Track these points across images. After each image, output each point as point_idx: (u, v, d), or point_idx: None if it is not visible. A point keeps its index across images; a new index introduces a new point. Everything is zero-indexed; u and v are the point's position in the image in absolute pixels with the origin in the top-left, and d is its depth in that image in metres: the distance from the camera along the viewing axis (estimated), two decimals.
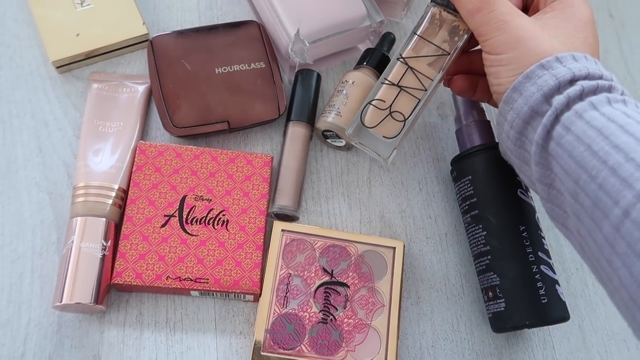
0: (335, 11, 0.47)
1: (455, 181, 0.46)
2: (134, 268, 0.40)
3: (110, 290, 0.41)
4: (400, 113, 0.40)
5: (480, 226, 0.42)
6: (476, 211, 0.43)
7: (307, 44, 0.45)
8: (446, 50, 0.40)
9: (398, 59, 0.40)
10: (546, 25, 0.35)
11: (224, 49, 0.48)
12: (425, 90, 0.40)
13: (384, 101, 0.40)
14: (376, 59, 0.48)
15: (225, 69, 0.47)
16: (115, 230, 0.41)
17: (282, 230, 0.43)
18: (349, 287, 0.42)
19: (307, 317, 0.40)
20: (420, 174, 0.48)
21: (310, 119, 0.46)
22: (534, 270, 0.40)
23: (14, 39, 0.48)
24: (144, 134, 0.47)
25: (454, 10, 0.40)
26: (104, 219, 0.40)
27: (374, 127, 0.40)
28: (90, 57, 0.48)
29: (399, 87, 0.40)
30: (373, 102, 0.40)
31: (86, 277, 0.38)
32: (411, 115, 0.40)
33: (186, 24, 0.51)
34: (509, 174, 0.42)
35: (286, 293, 0.41)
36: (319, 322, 0.40)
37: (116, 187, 0.42)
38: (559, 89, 0.32)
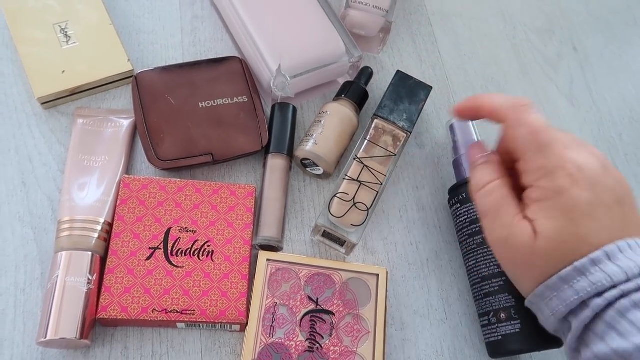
0: (316, 47, 0.49)
1: (460, 205, 0.46)
2: (119, 302, 0.40)
3: (95, 325, 0.41)
4: (363, 204, 0.44)
5: None
6: None
7: (289, 79, 0.47)
8: (392, 152, 0.46)
9: (354, 158, 0.46)
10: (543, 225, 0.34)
11: (207, 83, 0.49)
12: (381, 184, 0.45)
13: (347, 194, 0.44)
14: (354, 92, 0.50)
15: (208, 103, 0.48)
16: (100, 263, 0.42)
17: (268, 259, 0.44)
18: (334, 314, 0.42)
19: (294, 346, 0.41)
20: (400, 202, 0.50)
21: (288, 151, 0.48)
22: None
23: None
24: (129, 167, 0.47)
25: (392, 123, 0.47)
26: (90, 253, 0.41)
27: (341, 217, 0.43)
28: (75, 93, 0.48)
29: (359, 182, 0.45)
30: (338, 195, 0.44)
31: (71, 311, 0.38)
32: (372, 205, 0.44)
33: (170, 61, 0.52)
34: None
35: (272, 322, 0.41)
36: (305, 351, 0.41)
37: (102, 220, 0.42)
38: (599, 294, 0.32)
